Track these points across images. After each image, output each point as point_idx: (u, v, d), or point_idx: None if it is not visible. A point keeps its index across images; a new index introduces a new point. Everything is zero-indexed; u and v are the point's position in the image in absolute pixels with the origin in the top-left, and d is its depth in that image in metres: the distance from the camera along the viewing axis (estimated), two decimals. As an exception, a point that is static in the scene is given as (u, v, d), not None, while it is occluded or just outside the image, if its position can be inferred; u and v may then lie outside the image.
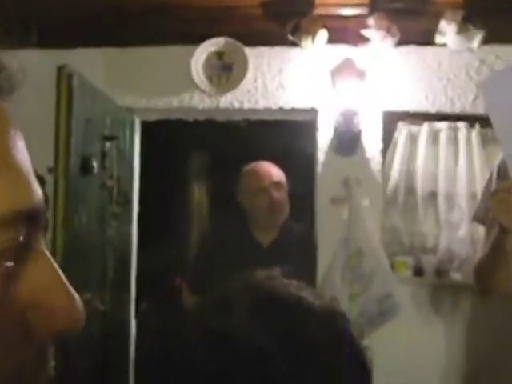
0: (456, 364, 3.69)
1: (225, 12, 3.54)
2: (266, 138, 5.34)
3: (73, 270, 3.19)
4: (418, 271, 3.99)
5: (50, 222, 3.27)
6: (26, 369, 0.53)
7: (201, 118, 4.17)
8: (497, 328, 2.40)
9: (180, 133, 5.21)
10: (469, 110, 3.90)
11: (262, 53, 3.97)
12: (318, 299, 0.93)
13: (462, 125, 4.03)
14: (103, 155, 3.55)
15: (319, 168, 3.93)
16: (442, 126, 4.05)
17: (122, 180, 3.82)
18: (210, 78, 3.97)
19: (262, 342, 0.84)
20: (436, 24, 3.51)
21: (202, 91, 3.97)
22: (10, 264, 0.51)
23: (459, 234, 3.96)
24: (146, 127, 4.27)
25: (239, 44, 3.89)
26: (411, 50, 3.91)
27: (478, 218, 2.35)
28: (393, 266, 3.82)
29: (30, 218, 0.52)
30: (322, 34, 3.62)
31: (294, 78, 3.95)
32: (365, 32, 3.58)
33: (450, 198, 4.00)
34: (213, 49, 3.95)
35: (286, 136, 5.28)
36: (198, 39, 3.89)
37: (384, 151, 3.98)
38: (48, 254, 0.56)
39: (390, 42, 3.61)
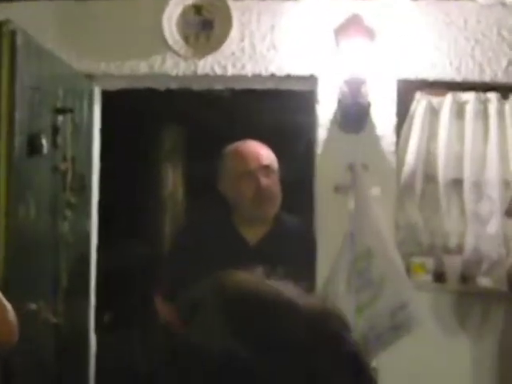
0: (485, 388, 3.72)
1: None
2: (255, 112, 5.34)
3: (17, 273, 3.18)
4: (440, 276, 4.00)
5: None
6: None
7: (175, 86, 4.16)
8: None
9: (149, 104, 5.20)
10: (501, 77, 3.91)
11: (250, 6, 3.95)
12: (303, 299, 0.97)
13: (492, 96, 4.03)
14: (55, 131, 3.52)
15: (319, 149, 3.92)
16: (469, 97, 4.05)
17: (78, 162, 3.79)
18: (185, 38, 3.95)
19: (235, 349, 0.89)
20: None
21: (177, 53, 3.95)
22: None
23: (488, 231, 3.97)
24: (108, 97, 4.25)
25: (222, -5, 3.89)
26: (431, 3, 3.90)
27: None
28: (408, 270, 3.82)
29: None
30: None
31: (288, 38, 3.93)
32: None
33: (478, 187, 4.01)
34: (189, 1, 3.92)
35: (278, 109, 5.28)
36: (172, -11, 3.88)
37: (398, 128, 3.98)
38: None
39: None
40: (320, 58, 3.89)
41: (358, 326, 3.21)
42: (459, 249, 4.02)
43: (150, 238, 6.48)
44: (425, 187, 4.06)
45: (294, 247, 3.40)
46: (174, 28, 3.93)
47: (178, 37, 3.94)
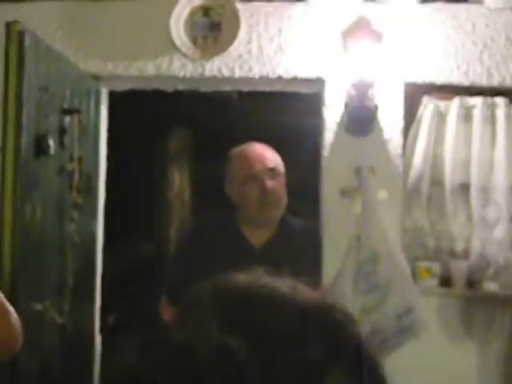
0: (490, 394, 3.71)
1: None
2: (261, 114, 5.34)
3: (23, 274, 3.18)
4: (446, 280, 3.99)
5: (-3, 213, 3.27)
6: None
7: (182, 88, 4.16)
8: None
9: (156, 106, 5.20)
10: (509, 82, 3.90)
11: (258, 8, 3.96)
12: (303, 293, 0.97)
13: (500, 100, 4.03)
14: (62, 132, 3.53)
15: (326, 152, 3.92)
16: (477, 101, 4.05)
17: (84, 162, 3.80)
18: (193, 39, 3.95)
19: (229, 348, 0.90)
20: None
21: (184, 55, 3.95)
22: None
23: (495, 236, 3.96)
24: (115, 98, 4.26)
25: (230, -3, 3.90)
26: (439, 6, 3.90)
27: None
28: (415, 274, 3.82)
29: None
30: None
31: (296, 40, 3.93)
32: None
33: (485, 191, 4.00)
34: (197, 3, 3.93)
35: (285, 112, 5.28)
36: (180, -9, 3.89)
37: (405, 132, 3.98)
38: None
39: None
40: (327, 60, 3.89)
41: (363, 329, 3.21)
42: (466, 253, 4.01)
43: (156, 240, 6.49)
44: (431, 191, 4.05)
45: (299, 250, 3.39)
46: (182, 29, 3.94)
47: (185, 38, 3.95)
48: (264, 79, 3.99)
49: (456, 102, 4.05)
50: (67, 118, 3.58)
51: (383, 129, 3.89)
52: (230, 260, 3.04)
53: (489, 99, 4.04)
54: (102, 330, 4.23)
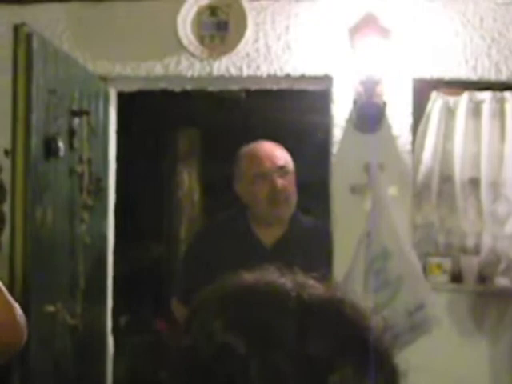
0: (503, 388, 3.71)
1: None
2: (270, 112, 5.34)
3: (35, 275, 3.19)
4: (457, 276, 3.99)
5: (8, 216, 3.28)
6: None
7: (190, 87, 4.16)
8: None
9: (165, 106, 5.21)
10: (518, 76, 3.90)
11: (265, 6, 3.95)
12: (308, 289, 0.97)
13: (509, 95, 4.02)
14: (71, 134, 3.54)
15: (335, 149, 3.92)
16: (485, 96, 4.04)
17: (94, 164, 3.81)
18: (200, 39, 3.95)
19: (233, 347, 0.90)
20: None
21: (192, 55, 3.96)
22: None
23: (506, 231, 3.96)
24: (124, 99, 4.26)
25: (237, -4, 3.90)
26: (447, 1, 3.89)
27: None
28: (425, 270, 3.82)
29: None
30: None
31: (303, 38, 3.93)
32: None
33: (495, 187, 4.00)
34: (204, 2, 3.93)
35: (294, 110, 5.28)
36: (186, -9, 3.89)
37: (414, 128, 3.97)
38: None
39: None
40: (335, 57, 3.89)
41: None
42: (476, 249, 4.01)
43: (166, 240, 6.49)
44: (441, 187, 4.05)
45: (310, 248, 3.39)
46: (189, 29, 3.94)
47: (193, 38, 3.95)
48: (272, 77, 3.99)
49: (465, 97, 4.05)
50: (76, 120, 3.58)
51: (392, 125, 3.88)
52: (241, 259, 3.05)
53: (498, 94, 4.03)
54: (113, 331, 4.24)
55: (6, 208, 3.60)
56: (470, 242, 4.03)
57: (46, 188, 3.31)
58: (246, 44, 3.93)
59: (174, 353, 0.98)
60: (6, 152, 3.35)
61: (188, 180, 6.91)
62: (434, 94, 4.07)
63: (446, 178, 4.05)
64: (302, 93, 4.18)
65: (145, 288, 5.84)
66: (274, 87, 4.12)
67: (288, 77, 3.97)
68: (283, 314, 0.93)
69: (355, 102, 3.85)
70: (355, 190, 3.81)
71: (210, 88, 4.19)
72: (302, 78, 3.97)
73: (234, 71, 3.96)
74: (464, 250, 4.02)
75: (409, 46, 3.85)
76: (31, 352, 3.08)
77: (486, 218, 4.00)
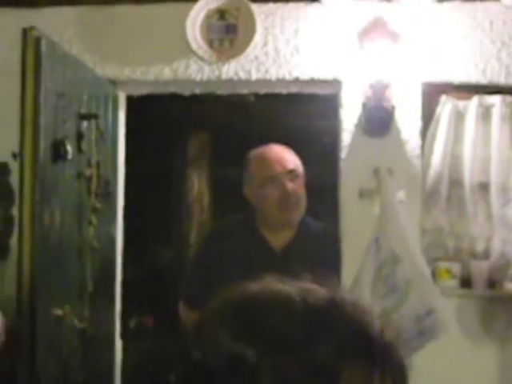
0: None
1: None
2: (279, 116, 5.34)
3: (43, 279, 3.19)
4: (466, 281, 3.97)
5: (16, 219, 3.27)
6: None
7: (199, 91, 4.16)
8: None
9: (174, 110, 5.21)
10: (528, 80, 3.88)
11: (273, 10, 3.95)
12: (313, 295, 0.97)
13: (519, 99, 4.01)
14: (79, 137, 3.53)
15: (344, 153, 3.91)
16: (495, 100, 4.02)
17: (102, 167, 3.81)
18: (209, 43, 3.95)
19: (246, 357, 0.90)
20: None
21: (201, 59, 3.95)
22: None
23: (516, 235, 3.94)
24: (133, 103, 4.26)
25: (245, -1, 3.88)
26: (456, 5, 3.88)
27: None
28: (434, 275, 3.80)
29: None
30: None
31: (312, 42, 3.92)
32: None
33: (505, 191, 3.98)
34: (213, 5, 3.93)
35: (302, 113, 5.27)
36: (195, -6, 3.89)
37: (423, 132, 3.96)
38: None
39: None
40: (344, 61, 3.88)
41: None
42: (486, 253, 3.99)
43: (176, 244, 6.49)
44: (451, 191, 4.03)
45: (319, 252, 3.37)
46: (198, 33, 3.94)
47: (201, 42, 3.95)
48: (281, 81, 3.98)
49: (474, 100, 4.03)
50: (85, 123, 3.58)
51: (401, 129, 3.87)
52: (250, 263, 3.05)
53: (507, 98, 4.01)
54: (122, 334, 4.23)
55: (15, 211, 3.60)
56: (480, 247, 4.01)
57: (54, 191, 3.31)
58: (254, 47, 3.93)
59: (184, 366, 0.98)
60: (14, 155, 3.35)
61: (197, 183, 6.91)
62: (443, 98, 4.05)
63: (456, 183, 4.03)
64: (311, 96, 4.18)
65: (154, 291, 5.84)
66: (283, 91, 4.12)
67: (297, 80, 3.97)
68: (290, 320, 0.93)
69: (364, 106, 3.84)
70: (364, 194, 3.80)
71: (219, 92, 4.19)
72: (311, 81, 3.97)
73: (242, 75, 3.95)
74: (473, 255, 4.00)
75: (418, 50, 3.84)
76: (39, 356, 3.08)
77: (496, 222, 3.97)
